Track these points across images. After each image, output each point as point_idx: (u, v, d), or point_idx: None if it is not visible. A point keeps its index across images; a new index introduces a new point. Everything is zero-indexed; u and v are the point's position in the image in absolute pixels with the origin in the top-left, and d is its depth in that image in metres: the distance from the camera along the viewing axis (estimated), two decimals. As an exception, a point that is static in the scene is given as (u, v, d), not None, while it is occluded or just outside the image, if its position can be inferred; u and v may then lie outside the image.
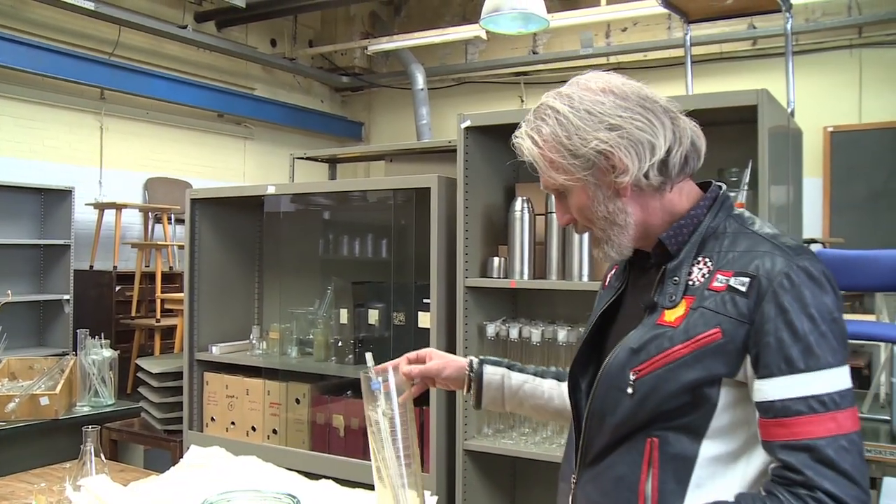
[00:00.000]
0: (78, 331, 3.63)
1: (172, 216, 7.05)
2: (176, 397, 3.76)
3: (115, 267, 6.49)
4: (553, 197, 2.69)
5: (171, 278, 6.63)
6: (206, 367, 3.71)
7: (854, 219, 7.15)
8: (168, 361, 3.96)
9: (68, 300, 6.07)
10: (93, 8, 6.61)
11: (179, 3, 7.87)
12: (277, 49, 9.14)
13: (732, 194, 1.37)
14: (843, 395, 1.13)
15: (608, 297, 1.41)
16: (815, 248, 5.96)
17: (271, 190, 3.48)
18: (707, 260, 1.25)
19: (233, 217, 3.87)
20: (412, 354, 1.59)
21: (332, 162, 5.13)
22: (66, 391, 3.46)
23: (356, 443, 3.26)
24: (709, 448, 1.21)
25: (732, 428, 1.21)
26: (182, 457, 2.11)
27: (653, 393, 1.21)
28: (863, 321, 4.40)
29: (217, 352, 3.67)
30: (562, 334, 2.69)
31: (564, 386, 1.58)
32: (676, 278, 1.26)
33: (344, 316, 3.43)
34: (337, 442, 3.32)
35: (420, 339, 2.96)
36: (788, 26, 3.68)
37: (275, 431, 3.49)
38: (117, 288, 6.40)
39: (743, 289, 1.18)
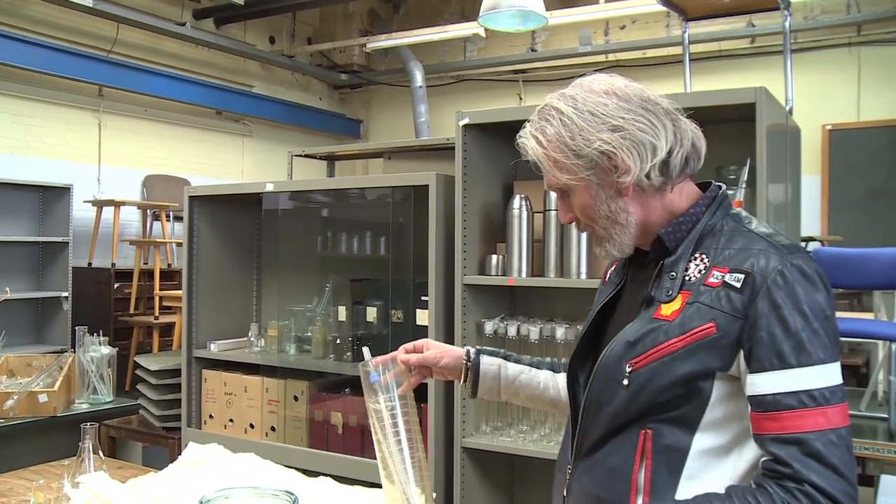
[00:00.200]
0: (76, 328, 3.63)
1: (171, 213, 7.05)
2: (174, 394, 3.76)
3: (113, 264, 6.49)
4: (554, 195, 2.74)
5: (169, 275, 6.64)
6: (205, 365, 3.71)
7: (852, 217, 7.16)
8: (166, 359, 3.96)
9: (67, 297, 6.07)
10: (91, 5, 6.61)
11: (178, 1, 7.86)
12: (276, 46, 9.13)
13: (731, 192, 1.38)
14: (834, 390, 1.15)
15: (608, 293, 1.45)
16: (813, 246, 5.98)
17: (270, 187, 3.48)
18: (704, 256, 1.28)
19: (231, 214, 3.87)
20: (409, 345, 1.62)
21: (331, 159, 5.13)
22: (64, 388, 3.45)
23: (354, 440, 3.26)
24: (701, 441, 1.23)
25: (725, 421, 1.23)
26: (180, 454, 2.11)
27: (648, 385, 1.24)
28: (861, 319, 4.41)
29: (215, 349, 3.68)
30: (560, 332, 2.69)
31: (560, 377, 1.64)
32: (673, 273, 1.29)
33: (342, 313, 3.43)
34: (335, 439, 3.32)
35: (418, 336, 2.92)
36: (787, 24, 3.68)
37: (273, 429, 3.49)
38: (116, 285, 6.41)
39: (738, 285, 1.21)
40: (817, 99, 6.97)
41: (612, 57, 8.10)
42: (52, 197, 6.16)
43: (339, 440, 3.31)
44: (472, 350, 1.65)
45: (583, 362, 1.43)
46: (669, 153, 1.28)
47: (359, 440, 3.24)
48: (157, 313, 6.16)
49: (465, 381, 1.63)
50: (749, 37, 7.46)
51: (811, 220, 6.95)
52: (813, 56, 7.29)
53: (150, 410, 3.82)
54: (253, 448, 2.28)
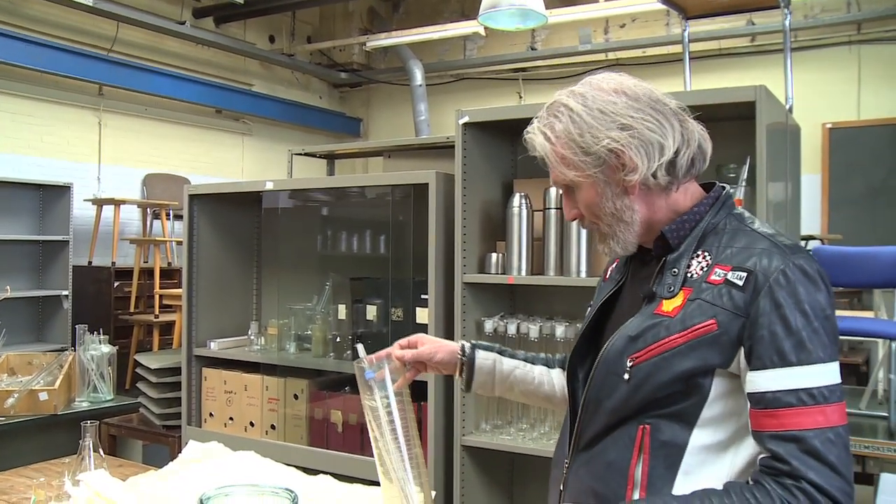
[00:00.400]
0: (77, 326, 3.63)
1: (171, 212, 7.06)
2: (174, 393, 3.76)
3: (113, 263, 6.50)
4: (555, 193, 2.75)
5: (169, 274, 6.64)
6: (205, 363, 3.71)
7: (852, 215, 7.16)
8: (166, 357, 3.96)
9: (67, 296, 6.07)
10: (91, 4, 6.61)
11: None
12: (276, 45, 9.14)
13: (731, 191, 1.39)
14: (833, 389, 1.16)
15: (608, 289, 1.46)
16: (813, 244, 5.98)
17: (269, 186, 3.48)
18: (706, 254, 1.29)
19: (231, 213, 3.87)
20: (403, 341, 1.63)
21: (331, 158, 5.13)
22: (64, 386, 3.46)
23: (354, 438, 3.26)
24: (699, 437, 1.24)
25: (723, 418, 1.24)
26: (180, 452, 2.12)
27: (648, 380, 1.25)
28: (861, 318, 4.41)
29: (215, 347, 3.68)
30: (560, 330, 2.69)
31: (554, 372, 1.65)
32: (675, 270, 1.30)
33: (342, 312, 3.43)
34: (335, 437, 3.32)
35: (418, 334, 2.96)
36: (787, 23, 3.67)
37: (273, 427, 3.49)
38: (116, 284, 6.42)
39: (740, 283, 1.22)
40: (817, 97, 6.97)
41: (611, 55, 8.10)
42: (53, 195, 6.16)
43: (339, 438, 3.31)
44: (468, 344, 1.65)
45: (582, 358, 1.44)
46: (676, 153, 1.29)
47: (358, 438, 3.24)
48: (157, 312, 6.16)
49: (459, 375, 1.64)
50: (749, 35, 7.46)
51: (811, 219, 6.95)
52: (813, 54, 7.29)
53: (150, 409, 3.82)
54: (253, 446, 2.29)
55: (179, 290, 3.98)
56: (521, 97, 8.85)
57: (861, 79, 7.26)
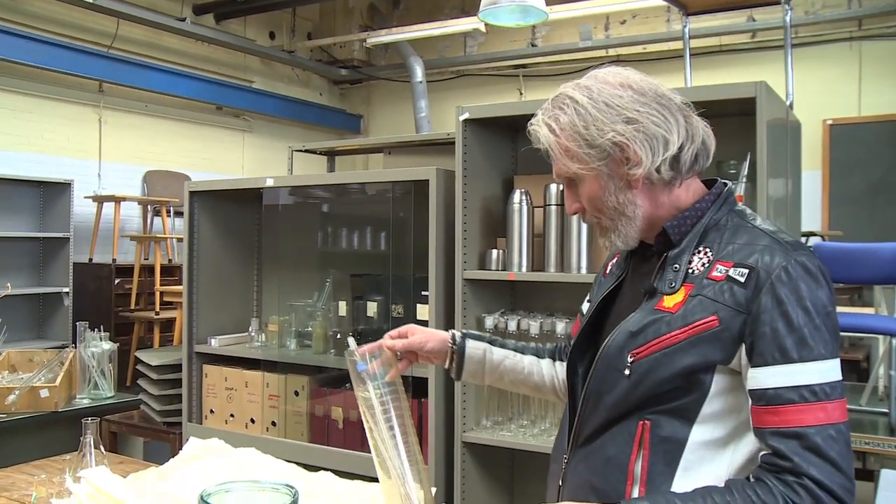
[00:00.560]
0: (77, 323, 3.62)
1: (171, 209, 7.06)
2: (175, 389, 3.76)
3: (114, 260, 6.49)
4: (555, 189, 2.75)
5: (169, 271, 6.64)
6: (205, 360, 3.72)
7: (853, 212, 7.16)
8: (167, 354, 3.96)
9: (67, 293, 6.08)
10: (91, 0, 6.60)
11: (178, -4, 7.87)
12: (276, 42, 9.13)
13: (732, 187, 1.39)
14: (834, 386, 1.17)
15: (609, 285, 1.46)
16: (813, 240, 5.97)
17: (270, 182, 3.48)
18: (708, 250, 1.29)
19: (231, 210, 3.87)
20: (394, 332, 1.63)
21: (331, 154, 5.12)
22: (65, 383, 3.46)
23: (355, 435, 3.26)
24: (699, 433, 1.24)
25: (723, 414, 1.24)
26: (181, 449, 2.12)
27: (649, 375, 1.25)
28: (861, 314, 4.41)
29: (216, 344, 3.68)
30: (560, 326, 2.69)
31: (544, 362, 1.66)
32: (677, 266, 1.30)
33: (342, 308, 3.44)
34: (336, 434, 3.33)
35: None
36: (788, 19, 3.67)
37: (273, 423, 3.49)
38: (116, 281, 6.41)
39: (741, 279, 1.22)
40: (818, 94, 6.96)
41: (612, 52, 8.10)
42: (53, 193, 6.16)
43: (340, 435, 3.31)
44: (458, 334, 1.65)
45: (582, 353, 1.44)
46: (681, 149, 1.30)
47: (359, 435, 3.24)
48: (157, 309, 6.16)
49: (450, 364, 1.64)
50: (749, 31, 7.45)
51: (811, 215, 6.95)
52: (814, 51, 7.28)
53: (150, 405, 3.82)
54: (254, 443, 2.29)
55: (180, 287, 3.98)
56: (521, 94, 8.84)
57: (862, 75, 7.26)
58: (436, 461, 2.91)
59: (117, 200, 6.49)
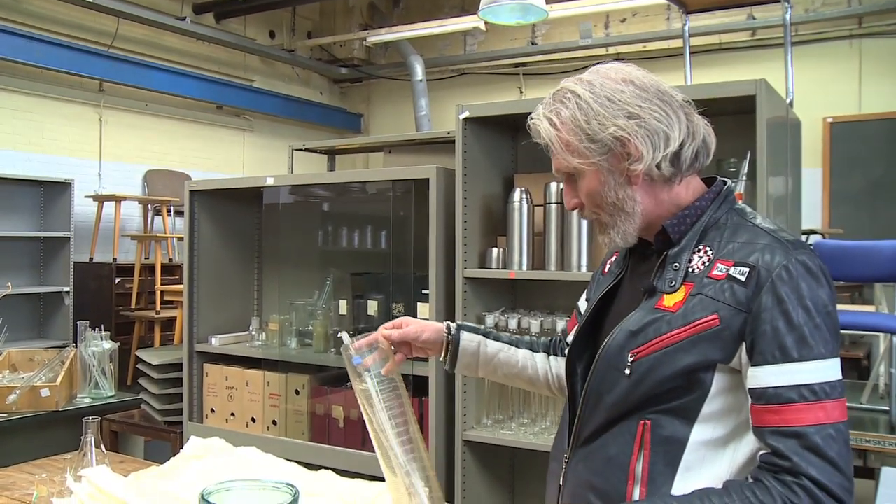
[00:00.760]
0: (78, 323, 3.63)
1: (172, 208, 7.05)
2: (176, 389, 3.77)
3: (114, 259, 6.49)
4: (555, 187, 2.75)
5: (170, 270, 6.64)
6: (206, 359, 3.72)
7: (853, 209, 7.16)
8: (168, 353, 3.97)
9: (68, 292, 6.07)
10: (92, 0, 6.60)
11: (178, -5, 7.87)
12: (276, 41, 9.12)
13: (732, 185, 1.38)
14: (834, 385, 1.16)
15: (607, 283, 1.45)
16: (814, 238, 5.97)
17: (270, 181, 3.48)
18: (708, 249, 1.28)
19: (232, 209, 3.87)
20: (388, 324, 1.61)
21: (331, 153, 5.12)
22: (66, 383, 3.46)
23: (355, 434, 3.27)
24: (699, 433, 1.24)
25: (723, 414, 1.24)
26: (182, 448, 2.12)
27: (649, 374, 1.24)
28: (862, 312, 4.41)
29: (217, 343, 3.68)
30: (560, 325, 2.69)
31: (538, 356, 1.65)
32: (677, 265, 1.29)
33: (343, 307, 3.44)
34: (336, 433, 3.33)
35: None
36: (788, 16, 3.67)
37: (274, 422, 3.50)
38: (117, 280, 6.41)
39: (742, 278, 1.21)
40: (818, 91, 6.96)
41: (612, 50, 8.10)
42: (53, 192, 6.16)
43: (341, 434, 3.31)
44: (453, 325, 1.64)
45: (581, 353, 1.43)
46: (682, 145, 1.29)
47: (360, 434, 3.25)
48: (158, 308, 6.16)
49: (444, 356, 1.63)
50: (749, 29, 7.45)
51: (812, 213, 6.95)
52: (814, 48, 7.28)
53: (151, 405, 3.83)
54: (254, 442, 2.29)
55: (180, 287, 3.98)
56: (521, 92, 8.84)
57: (862, 73, 7.25)
58: (436, 460, 2.91)
59: (118, 200, 6.49)
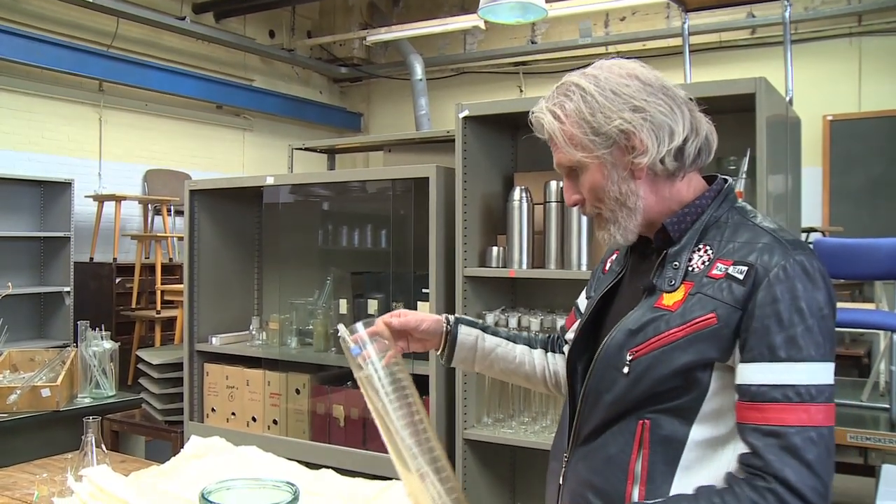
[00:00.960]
0: (78, 322, 3.63)
1: (172, 208, 7.05)
2: (176, 388, 3.77)
3: (114, 259, 6.49)
4: (555, 186, 2.74)
5: (170, 270, 6.64)
6: (207, 358, 3.72)
7: (853, 207, 7.15)
8: (168, 353, 3.97)
9: (69, 292, 6.08)
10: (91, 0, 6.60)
11: (177, -5, 7.86)
12: (276, 40, 9.12)
13: (733, 184, 1.38)
14: (821, 389, 1.15)
15: (608, 282, 1.44)
16: (814, 236, 5.97)
17: (270, 181, 3.48)
18: (708, 248, 1.28)
19: (232, 208, 3.87)
20: (386, 315, 1.58)
21: (331, 152, 5.13)
22: (67, 383, 3.46)
23: (356, 433, 3.27)
24: (699, 432, 1.23)
25: (722, 413, 1.23)
26: (183, 447, 2.12)
27: (648, 373, 1.24)
28: (862, 310, 4.41)
29: (217, 343, 3.68)
30: (560, 323, 2.68)
31: (536, 352, 1.64)
32: (677, 263, 1.29)
33: (343, 306, 3.44)
34: (337, 432, 3.33)
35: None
36: (787, 15, 3.67)
37: (275, 422, 3.50)
38: (117, 280, 6.41)
39: (740, 277, 1.21)
40: (818, 89, 6.95)
41: (612, 48, 8.09)
42: (54, 192, 6.16)
43: (341, 433, 3.31)
44: (451, 318, 1.62)
45: (581, 351, 1.42)
46: (685, 141, 1.29)
47: (360, 433, 3.25)
48: (158, 307, 6.16)
49: (441, 349, 1.60)
50: (749, 27, 7.44)
51: (812, 211, 6.95)
52: (813, 46, 7.27)
53: (152, 404, 3.83)
54: (255, 441, 2.29)
55: (181, 286, 3.98)
56: (521, 91, 8.83)
57: (862, 71, 7.25)
58: (437, 458, 2.91)
59: (118, 199, 6.49)
